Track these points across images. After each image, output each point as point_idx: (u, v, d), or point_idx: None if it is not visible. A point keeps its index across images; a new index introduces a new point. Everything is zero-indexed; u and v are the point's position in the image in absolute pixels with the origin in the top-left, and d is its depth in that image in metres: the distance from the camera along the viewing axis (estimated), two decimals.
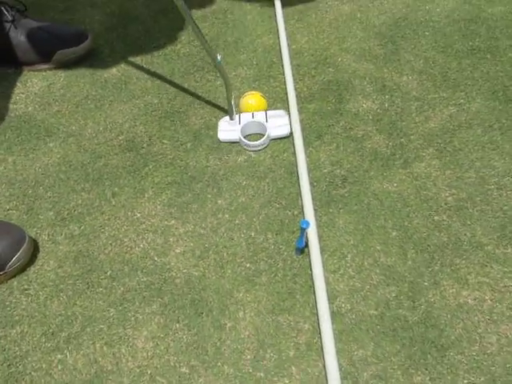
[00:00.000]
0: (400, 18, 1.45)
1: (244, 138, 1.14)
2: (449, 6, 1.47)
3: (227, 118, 1.18)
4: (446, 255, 0.93)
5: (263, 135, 1.14)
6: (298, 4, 1.52)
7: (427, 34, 1.40)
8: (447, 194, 1.03)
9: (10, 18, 1.32)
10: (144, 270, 0.95)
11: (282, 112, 1.19)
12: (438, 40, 1.37)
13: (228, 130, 1.16)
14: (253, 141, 1.14)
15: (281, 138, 1.16)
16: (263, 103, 1.19)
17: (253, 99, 1.19)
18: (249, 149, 1.14)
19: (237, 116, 1.17)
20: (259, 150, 1.14)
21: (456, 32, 1.39)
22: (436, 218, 0.99)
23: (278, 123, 1.15)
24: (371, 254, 0.94)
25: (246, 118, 1.17)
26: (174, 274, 0.94)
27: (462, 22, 1.42)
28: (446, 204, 1.01)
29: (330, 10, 1.50)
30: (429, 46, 1.36)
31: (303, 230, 0.89)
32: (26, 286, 0.94)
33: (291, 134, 1.15)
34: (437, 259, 0.93)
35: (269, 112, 1.18)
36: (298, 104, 1.21)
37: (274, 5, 1.51)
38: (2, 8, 1.32)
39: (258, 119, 1.15)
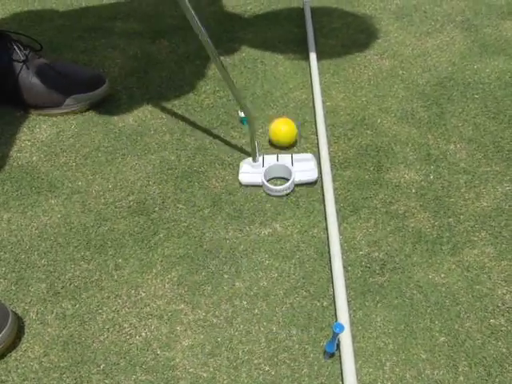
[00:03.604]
0: (446, 77, 1.32)
1: (267, 182, 1.05)
2: (499, 67, 1.34)
3: (250, 159, 1.08)
4: (506, 371, 0.78)
5: (288, 180, 1.05)
6: (335, 56, 1.40)
7: (476, 96, 1.26)
8: (504, 291, 0.87)
9: (22, 57, 1.22)
10: (143, 366, 0.80)
11: (308, 156, 1.10)
12: (489, 105, 1.23)
13: (250, 172, 1.07)
14: (276, 185, 1.05)
15: (307, 184, 1.06)
16: (295, 131, 1.13)
17: (285, 125, 1.12)
18: (271, 193, 1.04)
19: (260, 158, 1.08)
20: (282, 196, 1.04)
21: (509, 96, 1.26)
22: (492, 321, 0.83)
23: (305, 167, 1.06)
24: (415, 364, 0.79)
25: (270, 160, 1.08)
26: (179, 374, 0.79)
27: None
28: (503, 304, 0.86)
29: (369, 64, 1.38)
30: (478, 111, 1.22)
31: (336, 335, 0.74)
32: (3, 377, 0.79)
33: (318, 180, 1.07)
34: (494, 376, 0.77)
35: (295, 155, 1.09)
36: (331, 170, 1.07)
37: (308, 56, 1.39)
38: (15, 46, 1.21)
39: (283, 162, 1.07)
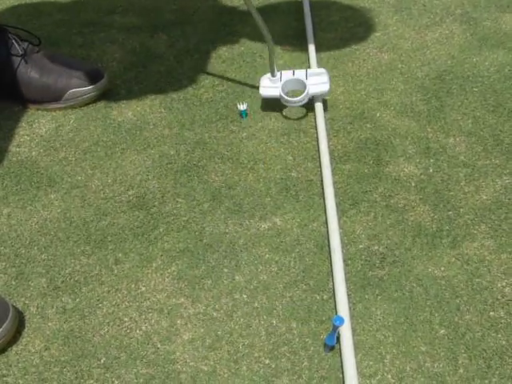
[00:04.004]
0: (445, 70, 1.32)
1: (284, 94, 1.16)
2: (499, 60, 1.34)
3: (268, 75, 1.19)
4: (506, 364, 0.78)
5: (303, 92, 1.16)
6: (334, 50, 1.40)
7: (475, 90, 1.26)
8: (504, 284, 0.88)
9: (20, 51, 1.21)
10: (144, 360, 0.80)
11: (322, 70, 1.20)
12: (488, 98, 1.23)
13: (269, 86, 1.18)
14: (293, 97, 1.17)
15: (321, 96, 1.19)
16: None
17: None
18: (288, 105, 1.18)
19: (278, 73, 1.19)
20: (298, 106, 1.19)
21: (508, 89, 1.25)
22: (492, 313, 0.83)
23: (318, 81, 1.17)
24: (415, 357, 0.79)
25: (286, 75, 1.19)
26: (180, 368, 0.79)
27: None
28: (502, 296, 0.86)
29: (369, 58, 1.37)
30: (478, 104, 1.22)
31: (336, 328, 0.74)
32: (4, 371, 0.80)
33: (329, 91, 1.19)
34: (494, 368, 0.77)
35: (309, 70, 1.20)
36: (331, 164, 1.07)
37: (307, 49, 1.38)
38: (13, 41, 1.21)
39: (299, 77, 1.18)
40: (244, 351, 0.81)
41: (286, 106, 1.21)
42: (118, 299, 0.88)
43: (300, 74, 1.19)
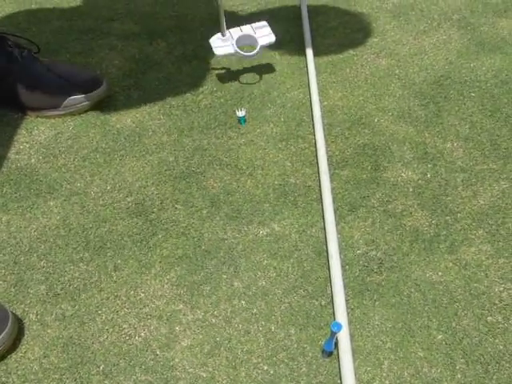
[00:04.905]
0: (442, 75, 1.32)
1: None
2: (496, 65, 1.34)
3: (218, 35, 1.27)
4: (503, 368, 0.78)
5: (254, 46, 1.28)
6: (332, 56, 1.41)
7: (473, 95, 1.26)
8: (501, 289, 0.88)
9: (19, 59, 1.21)
10: (143, 367, 0.80)
11: (264, 23, 1.32)
12: (486, 103, 1.24)
13: (223, 45, 1.27)
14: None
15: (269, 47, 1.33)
16: None
17: None
18: (246, 58, 1.30)
19: (227, 32, 1.27)
20: (254, 59, 1.32)
21: (505, 94, 1.26)
22: (489, 318, 0.84)
23: (264, 33, 1.30)
24: (412, 363, 0.79)
25: (235, 32, 1.28)
26: (179, 374, 0.79)
27: (511, 84, 1.28)
28: (500, 301, 0.86)
29: (366, 63, 1.38)
30: (475, 109, 1.22)
31: (334, 334, 0.74)
32: (3, 379, 0.80)
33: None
34: (492, 373, 0.77)
35: (253, 24, 1.31)
36: (329, 170, 1.07)
37: (305, 55, 1.39)
38: (12, 48, 1.22)
39: (247, 32, 1.28)
40: (243, 357, 0.81)
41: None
42: (117, 306, 0.88)
43: (247, 29, 1.30)
